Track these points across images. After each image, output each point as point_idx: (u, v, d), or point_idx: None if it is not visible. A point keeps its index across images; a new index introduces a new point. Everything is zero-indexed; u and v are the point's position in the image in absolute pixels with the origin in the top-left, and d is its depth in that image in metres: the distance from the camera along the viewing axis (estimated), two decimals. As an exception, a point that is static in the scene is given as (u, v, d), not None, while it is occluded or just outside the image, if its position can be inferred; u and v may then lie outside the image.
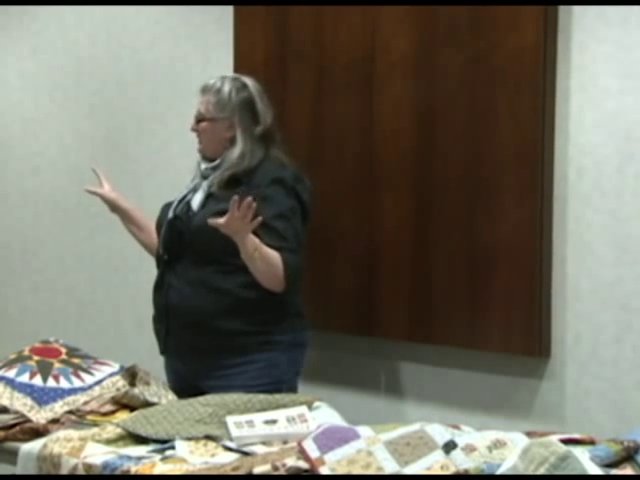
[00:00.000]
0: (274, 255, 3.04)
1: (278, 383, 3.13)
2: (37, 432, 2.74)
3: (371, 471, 2.22)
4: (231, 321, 3.10)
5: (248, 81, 3.23)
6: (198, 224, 3.11)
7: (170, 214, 3.20)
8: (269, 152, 3.18)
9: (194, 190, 3.20)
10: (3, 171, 4.74)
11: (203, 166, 3.21)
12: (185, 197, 3.21)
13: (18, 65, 4.66)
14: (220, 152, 3.18)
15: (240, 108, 3.17)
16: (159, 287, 3.24)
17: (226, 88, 3.18)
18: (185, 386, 3.14)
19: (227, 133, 3.18)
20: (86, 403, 2.91)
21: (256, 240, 2.99)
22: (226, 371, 3.11)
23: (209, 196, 3.16)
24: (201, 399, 2.77)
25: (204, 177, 3.20)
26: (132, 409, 2.86)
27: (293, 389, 3.22)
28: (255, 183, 3.10)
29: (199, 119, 3.22)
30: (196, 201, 3.16)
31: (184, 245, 3.16)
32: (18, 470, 2.61)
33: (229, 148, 3.16)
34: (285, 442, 2.55)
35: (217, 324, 3.10)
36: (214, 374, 3.11)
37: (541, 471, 1.97)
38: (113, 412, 2.87)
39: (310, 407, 2.77)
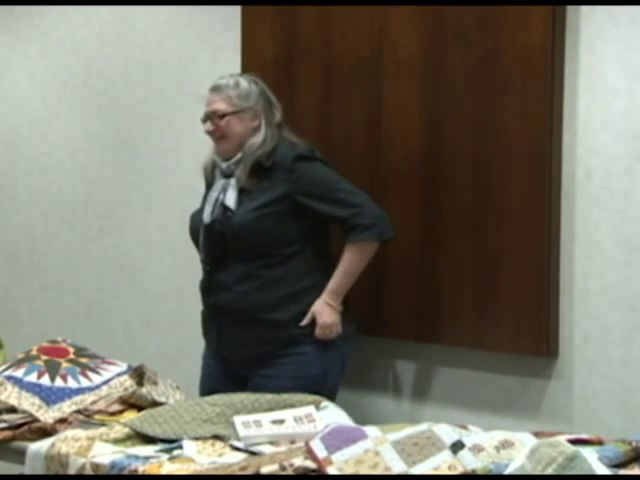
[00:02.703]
0: (353, 254, 3.20)
1: (323, 376, 3.18)
2: (45, 431, 2.74)
3: (378, 471, 2.22)
4: (282, 312, 3.15)
5: (254, 77, 3.32)
6: (241, 222, 3.15)
7: (207, 219, 3.22)
8: (281, 135, 3.26)
9: (223, 190, 3.21)
10: (11, 171, 4.75)
11: (224, 165, 3.23)
12: (217, 199, 3.22)
13: (26, 65, 4.67)
14: (239, 149, 3.22)
15: (260, 97, 3.26)
16: (207, 288, 3.27)
17: (243, 81, 3.26)
18: (231, 373, 3.22)
19: (253, 122, 3.23)
20: (94, 403, 2.91)
21: (331, 284, 3.20)
22: (276, 361, 3.15)
23: (241, 192, 3.18)
24: (208, 399, 2.77)
25: (227, 176, 3.23)
26: (140, 409, 2.87)
27: (335, 385, 3.24)
28: (277, 165, 3.17)
29: (220, 115, 3.22)
30: (231, 200, 3.18)
31: (228, 245, 3.18)
32: (26, 469, 2.61)
33: (249, 139, 3.20)
34: (292, 442, 2.55)
35: (269, 316, 3.14)
36: (264, 364, 3.16)
37: (549, 471, 1.97)
38: (121, 412, 2.88)
39: (318, 407, 2.77)
